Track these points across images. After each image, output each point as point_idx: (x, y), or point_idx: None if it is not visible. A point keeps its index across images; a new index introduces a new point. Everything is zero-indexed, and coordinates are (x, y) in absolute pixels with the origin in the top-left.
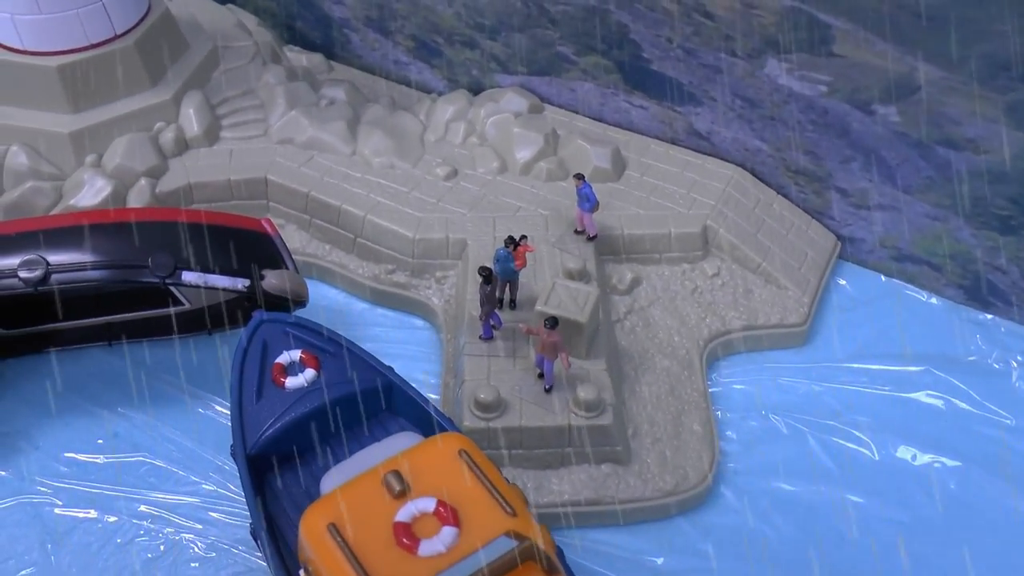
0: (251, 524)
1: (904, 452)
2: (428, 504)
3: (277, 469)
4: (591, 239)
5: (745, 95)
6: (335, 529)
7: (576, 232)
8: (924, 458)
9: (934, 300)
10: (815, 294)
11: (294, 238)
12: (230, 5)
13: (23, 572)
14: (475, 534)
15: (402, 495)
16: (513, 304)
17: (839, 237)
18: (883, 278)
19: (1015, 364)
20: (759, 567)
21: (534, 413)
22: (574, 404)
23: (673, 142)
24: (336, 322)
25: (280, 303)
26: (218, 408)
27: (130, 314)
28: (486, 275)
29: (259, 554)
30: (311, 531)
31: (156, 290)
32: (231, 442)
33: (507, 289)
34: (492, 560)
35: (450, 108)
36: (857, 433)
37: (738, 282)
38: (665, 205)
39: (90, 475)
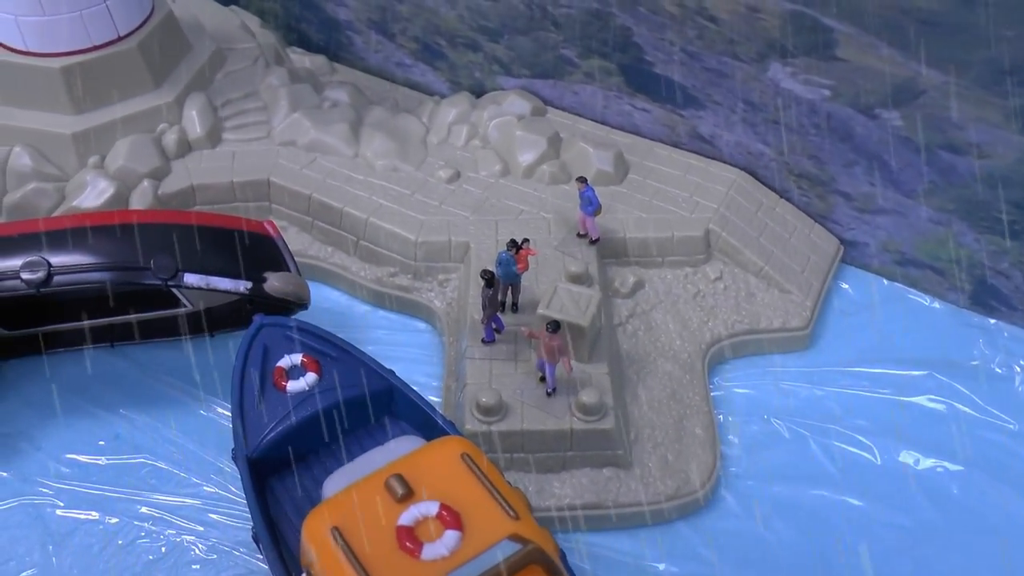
0: (253, 528)
1: (906, 457)
2: (431, 508)
3: (279, 473)
4: (593, 242)
5: (748, 99)
6: (338, 533)
7: (578, 235)
8: (926, 463)
9: (937, 304)
10: (817, 298)
11: (296, 240)
12: (233, 7)
13: (24, 573)
14: (478, 538)
15: (405, 499)
16: (515, 307)
17: (842, 241)
18: (886, 282)
19: (1018, 369)
20: (760, 572)
21: (536, 417)
22: (576, 408)
23: (676, 145)
24: (338, 324)
25: (282, 305)
26: (219, 410)
27: (132, 316)
28: (488, 278)
29: (260, 556)
30: (314, 535)
31: (158, 292)
32: (232, 445)
33: (509, 292)
34: (495, 564)
35: (453, 111)
36: (859, 437)
37: (740, 286)
38: (668, 208)
39: (91, 476)
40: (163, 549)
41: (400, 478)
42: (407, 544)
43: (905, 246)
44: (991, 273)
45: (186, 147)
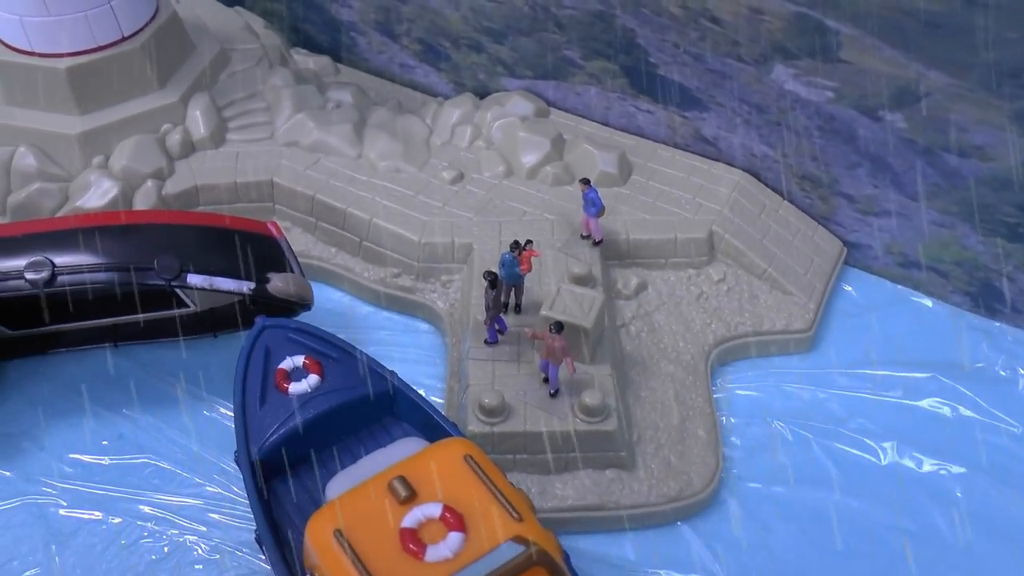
0: (256, 530)
1: (909, 459)
2: (434, 510)
3: (282, 475)
4: (597, 244)
5: (752, 100)
6: (341, 535)
7: (582, 237)
8: (929, 465)
9: (940, 307)
10: (821, 300)
11: (299, 241)
12: (237, 8)
13: (27, 573)
14: (482, 539)
15: (408, 501)
16: (518, 308)
17: (845, 243)
18: (889, 284)
19: (1022, 371)
20: (762, 574)
21: (538, 418)
22: (578, 409)
23: (679, 147)
24: (341, 325)
25: (285, 306)
26: (222, 410)
27: (135, 316)
28: (491, 279)
29: (263, 557)
30: (317, 537)
31: (162, 292)
32: (235, 447)
33: (512, 293)
34: (499, 565)
35: (456, 112)
36: (862, 440)
37: (744, 288)
38: (671, 210)
39: (95, 476)
40: (166, 549)
41: (403, 480)
42: (410, 546)
43: (908, 248)
44: (994, 276)
45: (190, 147)
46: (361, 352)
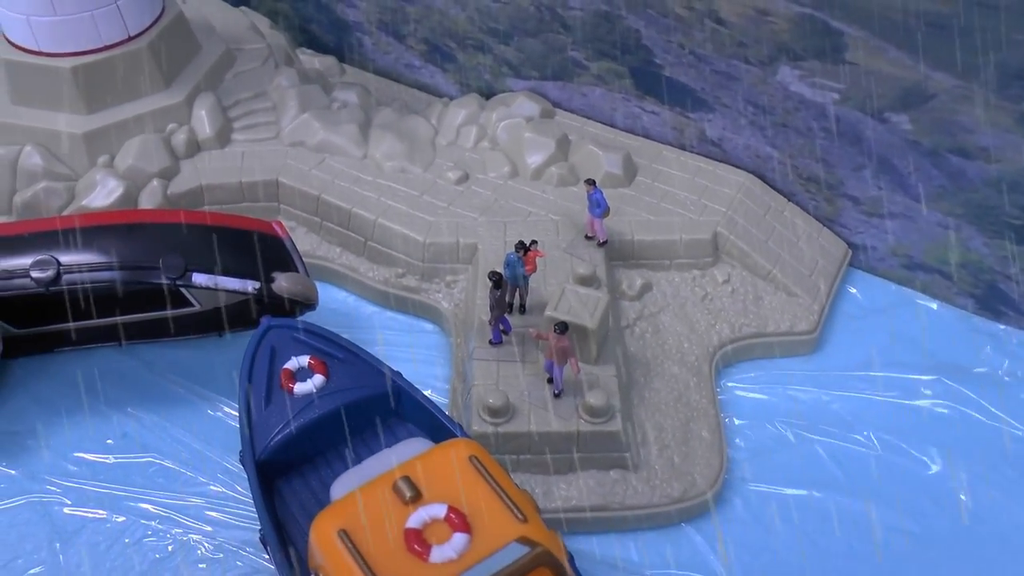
0: (260, 530)
1: (913, 462)
2: (439, 510)
3: (286, 475)
4: (601, 245)
5: (757, 102)
6: (346, 535)
7: (586, 237)
8: (934, 468)
9: (945, 309)
10: (825, 302)
11: (304, 241)
12: (243, 8)
13: (32, 571)
14: (486, 540)
15: (413, 501)
16: (523, 309)
17: (850, 245)
18: (894, 286)
19: None
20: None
21: (543, 418)
22: (583, 410)
23: (684, 148)
24: (345, 325)
25: (290, 306)
26: (227, 410)
27: (140, 315)
28: (496, 280)
29: (267, 556)
30: (322, 538)
31: (167, 291)
32: (240, 447)
33: (517, 294)
34: (503, 566)
35: (462, 112)
36: (866, 442)
37: (748, 289)
38: (676, 211)
39: (99, 475)
40: (170, 548)
41: (408, 480)
42: (415, 547)
43: (913, 250)
44: (1000, 278)
45: (195, 147)
46: (367, 352)
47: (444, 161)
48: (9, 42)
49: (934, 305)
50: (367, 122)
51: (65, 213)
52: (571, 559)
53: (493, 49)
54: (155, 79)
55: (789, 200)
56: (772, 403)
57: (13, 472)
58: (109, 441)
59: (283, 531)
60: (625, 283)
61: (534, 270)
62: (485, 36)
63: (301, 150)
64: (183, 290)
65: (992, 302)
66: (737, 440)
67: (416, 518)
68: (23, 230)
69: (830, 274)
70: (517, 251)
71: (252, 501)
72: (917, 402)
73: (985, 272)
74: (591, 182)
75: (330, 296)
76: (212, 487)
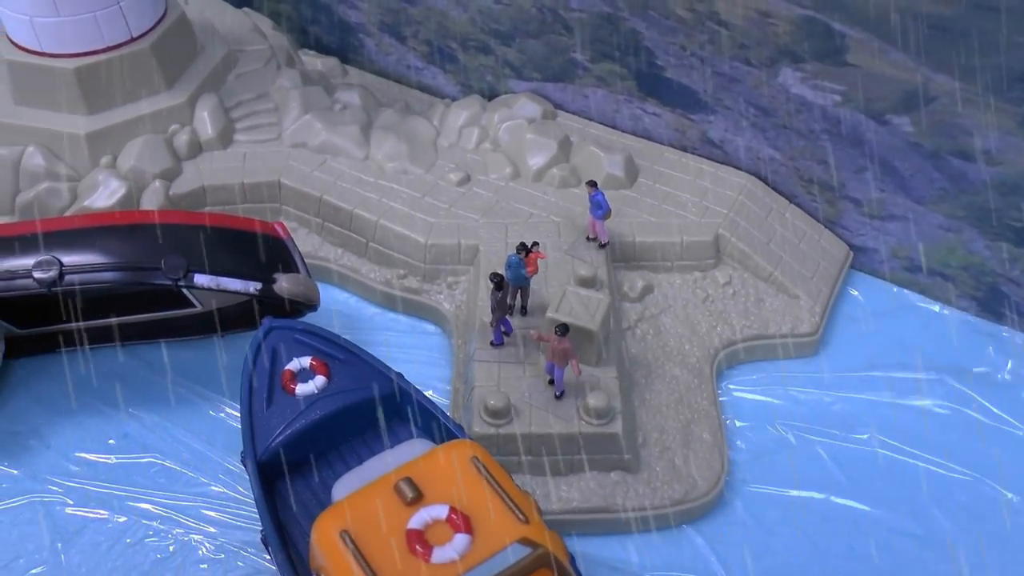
0: (261, 530)
1: (915, 463)
2: (441, 511)
3: (288, 476)
4: (603, 246)
5: (759, 104)
6: (348, 536)
7: (588, 239)
8: (936, 469)
9: (947, 311)
10: (826, 304)
11: (306, 242)
12: (246, 9)
13: (33, 571)
14: (488, 541)
15: (415, 502)
16: (524, 310)
17: (851, 247)
18: (895, 289)
19: None
20: None
21: (544, 420)
22: (584, 411)
23: (686, 150)
24: (347, 326)
25: (291, 307)
26: (228, 410)
27: (142, 315)
28: (498, 281)
29: (268, 557)
30: (323, 538)
31: (168, 292)
32: (241, 448)
33: (518, 295)
34: (505, 567)
35: (463, 113)
36: (868, 443)
37: (749, 291)
38: (677, 213)
39: (101, 475)
40: (171, 548)
41: (410, 481)
42: (417, 547)
43: (915, 252)
44: (1001, 280)
45: (197, 148)
46: (368, 353)
47: (446, 162)
48: (12, 43)
49: (935, 307)
50: (369, 123)
51: (67, 214)
52: (572, 560)
53: (495, 50)
54: (157, 80)
55: (790, 202)
56: (773, 405)
57: (15, 472)
58: (111, 441)
59: (284, 532)
60: (626, 285)
61: (535, 271)
62: (487, 37)
63: (303, 151)
64: (185, 291)
65: (994, 304)
66: (738, 442)
67: (418, 519)
68: (25, 230)
69: (831, 276)
70: (518, 252)
71: (253, 502)
72: (918, 404)
73: (987, 275)
74: (593, 184)
75: (332, 297)
76: (214, 487)
